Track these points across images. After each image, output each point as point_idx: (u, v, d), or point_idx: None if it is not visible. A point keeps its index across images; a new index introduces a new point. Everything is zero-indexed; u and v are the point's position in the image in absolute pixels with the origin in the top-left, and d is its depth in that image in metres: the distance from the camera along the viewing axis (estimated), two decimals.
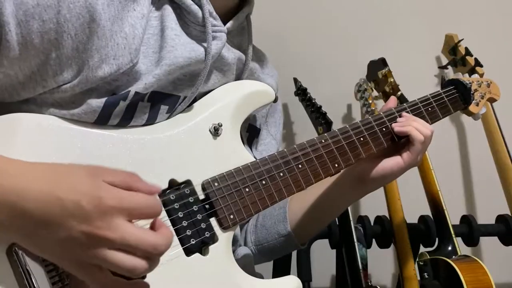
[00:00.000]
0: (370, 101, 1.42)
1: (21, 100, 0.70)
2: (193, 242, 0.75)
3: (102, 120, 0.73)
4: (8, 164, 0.58)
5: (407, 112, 0.96)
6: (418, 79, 1.56)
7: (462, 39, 1.50)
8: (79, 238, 0.56)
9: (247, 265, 0.98)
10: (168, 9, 0.80)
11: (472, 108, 1.07)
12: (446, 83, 1.09)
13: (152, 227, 0.62)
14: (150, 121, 0.79)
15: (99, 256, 0.56)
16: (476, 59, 1.47)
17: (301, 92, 1.43)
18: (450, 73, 1.57)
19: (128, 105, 0.74)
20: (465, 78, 1.08)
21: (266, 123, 1.04)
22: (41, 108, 0.70)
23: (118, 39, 0.71)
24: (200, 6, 0.80)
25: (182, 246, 0.74)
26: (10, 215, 0.55)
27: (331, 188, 0.98)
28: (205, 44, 0.80)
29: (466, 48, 1.49)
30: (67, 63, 0.68)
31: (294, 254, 1.36)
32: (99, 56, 0.69)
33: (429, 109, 0.99)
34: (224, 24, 0.85)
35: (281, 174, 0.83)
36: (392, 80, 1.38)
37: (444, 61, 1.61)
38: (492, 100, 1.13)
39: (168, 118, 0.82)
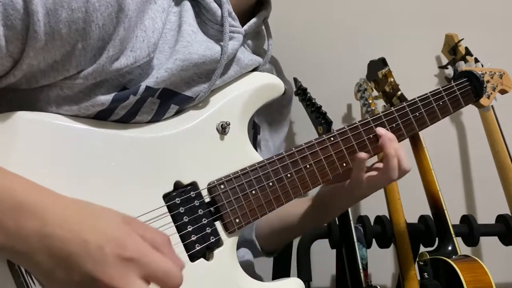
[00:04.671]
0: (370, 101, 1.42)
1: (28, 89, 0.68)
2: (198, 248, 0.74)
3: (107, 114, 0.71)
4: (46, 197, 0.58)
5: (417, 107, 0.94)
6: (418, 79, 1.56)
7: (462, 39, 1.50)
8: (90, 284, 0.55)
9: (247, 267, 0.98)
10: (187, 5, 0.78)
11: (483, 101, 1.05)
12: (458, 75, 1.07)
13: None
14: (156, 118, 0.77)
15: None
16: (476, 59, 1.46)
17: (301, 92, 1.43)
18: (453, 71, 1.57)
19: (137, 100, 0.72)
20: (477, 68, 1.06)
21: (270, 127, 1.04)
22: (48, 100, 0.68)
23: (137, 32, 0.69)
24: (220, 5, 0.79)
25: (187, 253, 0.73)
26: (36, 248, 0.55)
27: (297, 208, 0.99)
28: (221, 44, 0.79)
29: (466, 48, 1.49)
30: (91, 54, 0.66)
31: (294, 254, 1.36)
32: (120, 47, 0.67)
33: (440, 103, 0.97)
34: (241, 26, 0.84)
35: (289, 175, 0.82)
36: (392, 80, 1.38)
37: (444, 61, 1.61)
38: (503, 92, 1.11)
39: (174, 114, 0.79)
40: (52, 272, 0.56)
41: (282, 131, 1.07)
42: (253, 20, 0.87)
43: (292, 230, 1.02)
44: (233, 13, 0.81)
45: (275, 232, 1.01)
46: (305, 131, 1.50)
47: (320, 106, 1.38)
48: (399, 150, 0.89)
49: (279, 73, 1.04)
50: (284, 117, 1.06)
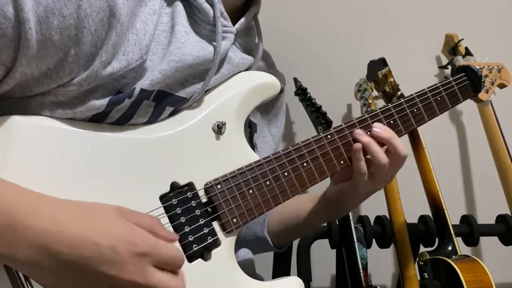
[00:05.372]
0: (370, 101, 1.42)
1: (21, 97, 0.68)
2: (196, 249, 0.74)
3: (102, 117, 0.71)
4: (39, 202, 0.58)
5: (415, 102, 0.95)
6: (418, 79, 1.55)
7: (462, 39, 1.50)
8: (108, 282, 0.57)
9: (248, 267, 0.98)
10: (179, 6, 0.78)
11: (481, 95, 1.05)
12: (456, 70, 1.06)
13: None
14: (151, 120, 0.76)
15: None
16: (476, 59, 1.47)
17: (301, 92, 1.43)
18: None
19: (132, 102, 0.72)
20: (475, 63, 1.06)
21: (268, 122, 1.04)
22: (42, 106, 0.68)
23: (129, 35, 0.69)
24: (212, 5, 0.79)
25: (184, 253, 0.73)
26: (43, 257, 0.55)
27: (308, 207, 0.99)
28: (214, 44, 0.79)
29: (466, 48, 1.49)
30: (84, 60, 0.66)
31: (294, 254, 1.36)
32: (112, 52, 0.67)
33: (438, 98, 0.96)
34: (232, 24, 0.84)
35: (286, 173, 0.82)
36: (392, 80, 1.38)
37: (444, 61, 1.61)
38: (502, 86, 1.11)
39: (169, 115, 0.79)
40: (62, 277, 0.57)
41: (280, 124, 1.07)
42: (244, 18, 0.87)
43: (306, 226, 1.02)
44: (225, 13, 0.81)
45: (289, 229, 1.02)
46: (305, 131, 1.50)
47: (320, 106, 1.38)
48: (393, 139, 0.88)
49: (271, 67, 1.04)
50: (278, 109, 1.06)
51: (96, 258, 0.56)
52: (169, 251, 0.63)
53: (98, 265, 0.56)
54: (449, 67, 1.54)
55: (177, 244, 0.73)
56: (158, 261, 0.61)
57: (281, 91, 0.89)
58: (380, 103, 1.47)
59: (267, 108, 1.03)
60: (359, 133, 0.88)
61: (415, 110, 0.94)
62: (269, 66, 1.04)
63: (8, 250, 0.55)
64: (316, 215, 0.99)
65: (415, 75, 1.57)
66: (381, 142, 0.88)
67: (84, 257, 0.56)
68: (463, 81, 1.02)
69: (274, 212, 1.03)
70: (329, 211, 0.97)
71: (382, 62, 1.41)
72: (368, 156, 0.88)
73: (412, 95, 0.95)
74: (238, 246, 1.05)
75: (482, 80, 1.03)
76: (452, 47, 1.51)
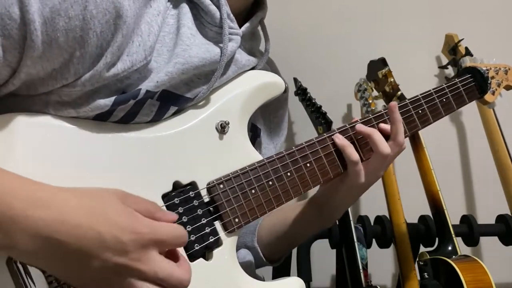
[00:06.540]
0: (370, 101, 1.42)
1: (26, 95, 0.68)
2: (197, 248, 0.74)
3: (106, 116, 0.71)
4: (40, 191, 0.58)
5: (420, 104, 0.94)
6: (418, 79, 1.56)
7: (462, 39, 1.50)
8: (113, 269, 0.58)
9: (248, 267, 0.97)
10: (185, 8, 0.78)
11: (488, 97, 1.04)
12: (462, 71, 1.06)
13: (175, 258, 0.65)
14: (156, 118, 0.76)
15: (130, 287, 0.59)
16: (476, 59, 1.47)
17: (301, 92, 1.43)
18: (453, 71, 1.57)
19: (136, 101, 0.72)
20: (482, 64, 1.05)
21: (270, 130, 1.04)
22: (47, 104, 0.68)
23: (133, 36, 0.69)
24: (218, 7, 0.79)
25: (186, 253, 0.73)
26: (44, 247, 0.55)
27: (300, 211, 0.98)
28: (220, 45, 0.78)
29: (466, 48, 1.49)
30: (89, 61, 0.66)
31: (294, 254, 1.36)
32: (118, 53, 0.67)
33: (444, 99, 0.96)
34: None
35: (289, 174, 0.82)
36: (392, 80, 1.38)
37: (444, 61, 1.61)
38: (508, 88, 1.10)
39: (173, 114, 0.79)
40: (65, 265, 0.57)
41: (282, 133, 1.07)
42: (249, 23, 0.87)
43: (296, 234, 1.00)
44: (231, 15, 0.81)
45: (280, 238, 1.00)
46: (305, 131, 1.50)
47: (320, 106, 1.38)
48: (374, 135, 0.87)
49: (275, 73, 1.04)
50: (282, 118, 1.06)
51: (99, 246, 0.56)
52: (171, 230, 0.63)
53: (102, 253, 0.57)
54: (449, 67, 1.54)
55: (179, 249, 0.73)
56: (162, 246, 0.62)
57: (285, 90, 0.89)
58: (380, 103, 1.47)
59: (269, 116, 1.03)
60: (337, 136, 0.87)
61: (420, 111, 0.94)
62: (273, 72, 1.03)
63: (9, 241, 0.54)
64: (304, 221, 0.97)
65: (415, 75, 1.57)
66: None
67: (87, 246, 0.56)
68: (469, 83, 1.02)
69: (264, 222, 1.02)
70: (318, 214, 0.95)
71: (382, 62, 1.41)
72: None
73: (417, 96, 0.95)
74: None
75: (488, 82, 1.02)
76: (452, 47, 1.51)
